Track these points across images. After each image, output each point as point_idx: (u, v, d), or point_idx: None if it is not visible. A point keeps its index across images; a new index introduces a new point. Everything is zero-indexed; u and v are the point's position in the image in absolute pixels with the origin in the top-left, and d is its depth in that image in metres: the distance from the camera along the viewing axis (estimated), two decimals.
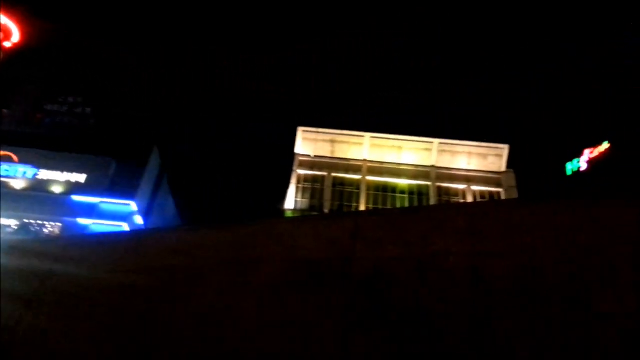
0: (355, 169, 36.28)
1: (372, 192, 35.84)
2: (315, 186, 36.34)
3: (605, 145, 76.80)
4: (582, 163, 79.81)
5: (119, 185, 35.88)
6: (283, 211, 34.51)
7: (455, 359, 2.65)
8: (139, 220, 36.21)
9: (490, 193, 36.03)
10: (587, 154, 79.36)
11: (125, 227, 34.30)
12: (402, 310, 2.84)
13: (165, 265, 3.33)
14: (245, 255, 3.12)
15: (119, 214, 34.92)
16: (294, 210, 35.00)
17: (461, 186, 36.13)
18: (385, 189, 36.01)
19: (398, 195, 35.85)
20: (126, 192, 35.52)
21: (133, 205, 35.65)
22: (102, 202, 35.20)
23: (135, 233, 9.09)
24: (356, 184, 36.11)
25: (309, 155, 37.04)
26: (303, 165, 36.88)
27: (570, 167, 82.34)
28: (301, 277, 2.88)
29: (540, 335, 2.84)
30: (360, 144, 37.11)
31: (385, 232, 2.97)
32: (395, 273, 2.84)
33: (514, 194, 35.29)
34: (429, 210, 3.74)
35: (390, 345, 2.72)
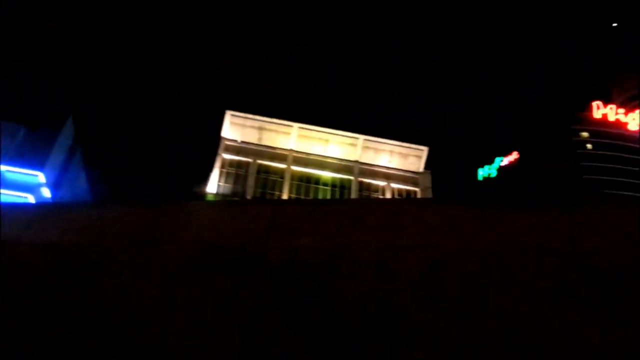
0: (281, 158, 36.27)
1: (295, 182, 36.04)
2: (240, 172, 35.88)
3: (515, 155, 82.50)
4: (492, 170, 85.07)
5: (27, 154, 33.17)
6: (204, 194, 33.75)
7: (362, 348, 2.73)
8: (46, 193, 33.77)
9: (408, 191, 37.55)
10: (498, 162, 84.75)
11: (31, 199, 31.89)
12: (312, 299, 2.88)
13: (72, 242, 3.13)
14: (156, 236, 3.01)
15: (25, 185, 32.35)
16: (216, 194, 34.35)
17: (381, 183, 37.32)
18: (309, 180, 36.36)
19: (321, 187, 36.34)
20: (34, 162, 32.94)
21: (41, 177, 33.17)
22: (7, 170, 32.41)
23: (41, 206, 8.48)
24: (281, 173, 36.12)
25: (235, 140, 36.46)
26: (229, 149, 36.25)
27: (481, 173, 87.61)
28: (214, 261, 2.84)
29: (440, 328, 3.00)
30: (288, 133, 37.11)
31: (301, 222, 3.00)
32: (308, 263, 2.88)
33: (429, 194, 37.02)
34: (346, 203, 3.83)
35: (298, 333, 2.75)
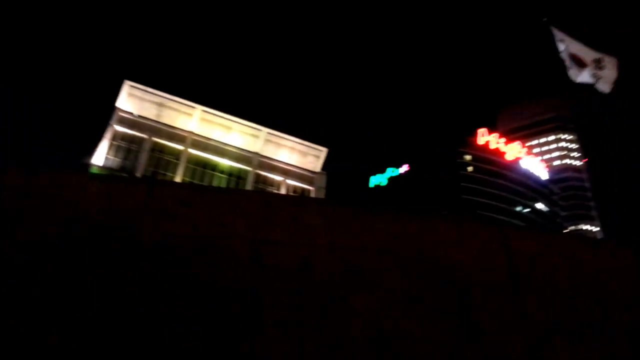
0: (179, 139, 35.06)
1: (191, 166, 35.05)
2: (132, 147, 34.04)
3: (405, 168, 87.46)
4: (383, 179, 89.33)
5: None
6: (89, 166, 31.53)
7: (229, 338, 2.85)
8: None
9: (303, 189, 38.27)
10: (390, 172, 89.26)
11: None
12: (183, 283, 2.96)
13: None
14: (26, 205, 2.92)
15: None
16: (102, 167, 32.27)
17: (278, 178, 37.64)
18: (205, 165, 35.56)
19: (217, 174, 35.73)
20: None
21: None
22: None
23: None
24: (177, 154, 34.89)
25: (131, 113, 34.52)
26: (122, 122, 34.21)
27: (373, 181, 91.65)
28: (82, 235, 2.81)
29: (306, 322, 3.25)
30: (190, 114, 35.96)
31: (178, 207, 3.06)
32: (181, 247, 2.95)
33: (322, 194, 38.05)
34: (226, 193, 3.93)
35: (166, 314, 2.81)
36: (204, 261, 3.14)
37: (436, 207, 72.47)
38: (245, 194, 4.47)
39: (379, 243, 4.54)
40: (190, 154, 35.06)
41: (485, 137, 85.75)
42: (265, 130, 37.82)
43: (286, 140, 38.68)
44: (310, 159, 39.48)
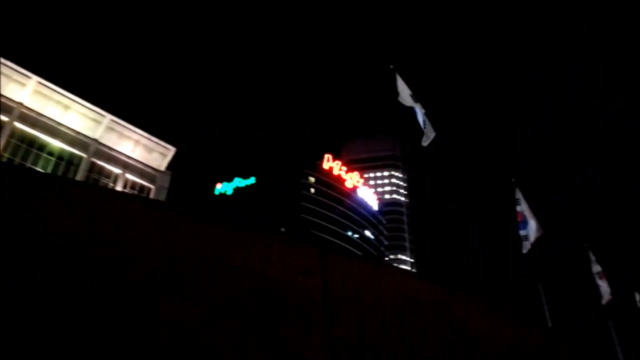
0: (5, 109, 30.82)
1: (15, 141, 31.00)
2: None
3: (252, 180, 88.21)
4: (229, 188, 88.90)
5: None
6: None
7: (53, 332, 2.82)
8: None
9: (142, 186, 36.34)
10: (236, 182, 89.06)
11: None
12: None
13: None
14: None
15: None
16: None
17: (117, 170, 35.22)
18: (32, 143, 31.75)
19: (45, 155, 32.12)
20: None
21: None
22: None
23: None
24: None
25: None
26: None
27: (218, 189, 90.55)
28: None
29: (114, 329, 3.33)
30: (24, 84, 31.93)
31: None
32: None
33: (164, 195, 36.60)
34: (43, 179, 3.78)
35: None
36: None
37: (276, 223, 74.32)
38: (67, 183, 4.39)
39: (203, 251, 4.77)
40: (16, 127, 31.02)
41: (330, 163, 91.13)
42: (110, 116, 35.22)
43: (131, 132, 36.47)
44: (155, 155, 37.76)
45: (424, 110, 11.61)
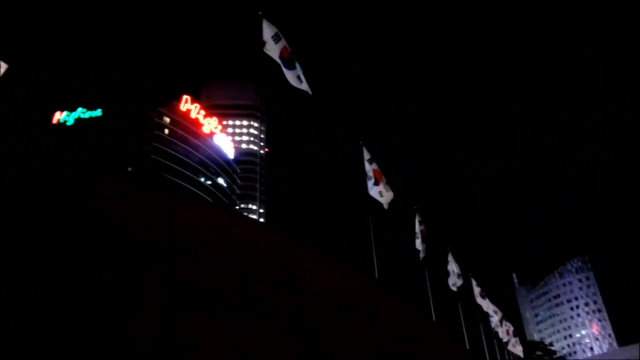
0: None
1: None
2: None
3: (99, 112, 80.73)
4: (70, 118, 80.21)
5: None
6: None
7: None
8: None
9: None
10: (79, 112, 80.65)
11: None
12: None
13: None
14: None
15: None
16: None
17: None
18: None
19: None
20: None
21: None
22: None
23: None
24: None
25: None
26: None
27: (57, 117, 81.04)
28: None
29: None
30: None
31: None
32: None
33: None
34: None
35: None
36: None
37: (122, 162, 69.68)
38: None
39: (22, 191, 4.54)
40: None
41: (188, 105, 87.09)
42: None
43: None
44: None
45: (301, 70, 11.33)
